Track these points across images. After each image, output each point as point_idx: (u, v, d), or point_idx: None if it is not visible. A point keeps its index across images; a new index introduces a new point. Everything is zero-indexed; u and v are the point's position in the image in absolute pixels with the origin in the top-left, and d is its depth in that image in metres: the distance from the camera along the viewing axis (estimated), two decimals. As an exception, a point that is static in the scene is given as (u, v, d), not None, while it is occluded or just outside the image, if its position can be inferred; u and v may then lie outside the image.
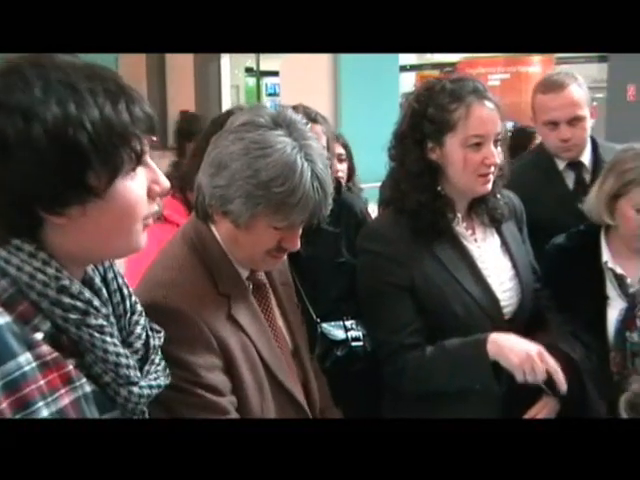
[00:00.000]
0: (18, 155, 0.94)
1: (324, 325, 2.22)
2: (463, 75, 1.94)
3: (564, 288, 2.09)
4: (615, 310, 2.10)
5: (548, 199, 2.24)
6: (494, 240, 1.98)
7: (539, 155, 2.72)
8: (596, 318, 2.09)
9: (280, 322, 1.66)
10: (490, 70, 16.46)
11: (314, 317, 2.20)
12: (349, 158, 3.42)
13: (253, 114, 1.44)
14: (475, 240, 1.95)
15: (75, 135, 0.95)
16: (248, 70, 18.05)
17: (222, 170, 1.40)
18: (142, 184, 1.07)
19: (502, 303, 1.91)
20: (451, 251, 1.89)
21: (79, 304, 1.03)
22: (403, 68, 10.47)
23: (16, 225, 1.00)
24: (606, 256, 2.14)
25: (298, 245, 1.50)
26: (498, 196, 1.96)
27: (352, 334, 2.20)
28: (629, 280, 2.11)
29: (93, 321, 1.04)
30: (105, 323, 1.07)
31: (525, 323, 1.97)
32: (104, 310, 1.08)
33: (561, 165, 2.60)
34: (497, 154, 1.83)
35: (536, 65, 16.23)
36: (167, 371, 1.20)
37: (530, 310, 1.99)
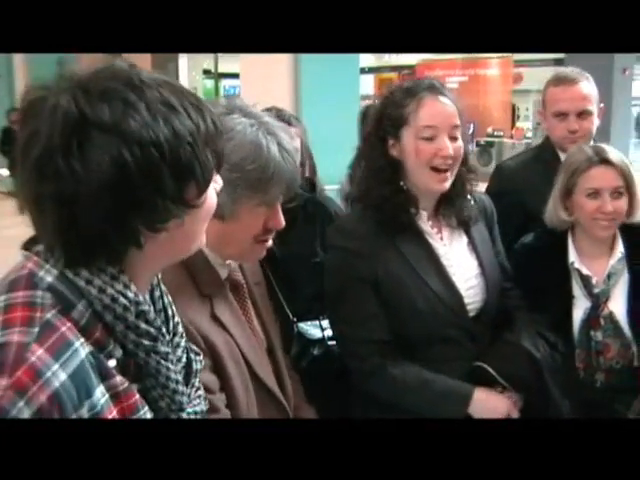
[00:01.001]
0: (137, 182, 0.92)
1: (300, 325, 2.22)
2: (422, 77, 1.99)
3: (532, 287, 2.11)
4: (580, 310, 2.13)
5: (548, 190, 2.28)
6: (461, 239, 2.00)
7: (543, 148, 2.79)
8: (562, 317, 2.12)
9: (255, 321, 1.68)
10: (448, 72, 16.65)
11: (290, 316, 2.20)
12: (310, 160, 3.43)
13: None
14: (441, 238, 1.96)
15: (186, 153, 0.95)
16: (206, 72, 17.98)
17: None
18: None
19: (466, 300, 1.92)
20: (416, 247, 1.91)
21: (152, 330, 1.02)
22: (362, 70, 10.50)
23: (113, 249, 0.98)
24: (572, 257, 2.18)
25: (283, 222, 1.53)
26: (468, 197, 1.98)
27: (328, 333, 2.21)
28: (594, 280, 2.14)
29: (162, 348, 1.04)
30: (169, 350, 1.06)
31: (491, 321, 1.99)
32: (167, 337, 1.08)
33: (564, 159, 2.65)
34: (453, 147, 1.85)
35: (494, 68, 16.45)
36: (203, 395, 1.20)
37: (496, 308, 2.01)
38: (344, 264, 1.90)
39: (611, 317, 2.10)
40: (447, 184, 1.88)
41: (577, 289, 2.15)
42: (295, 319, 2.23)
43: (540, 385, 1.86)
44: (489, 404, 1.85)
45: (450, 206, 1.97)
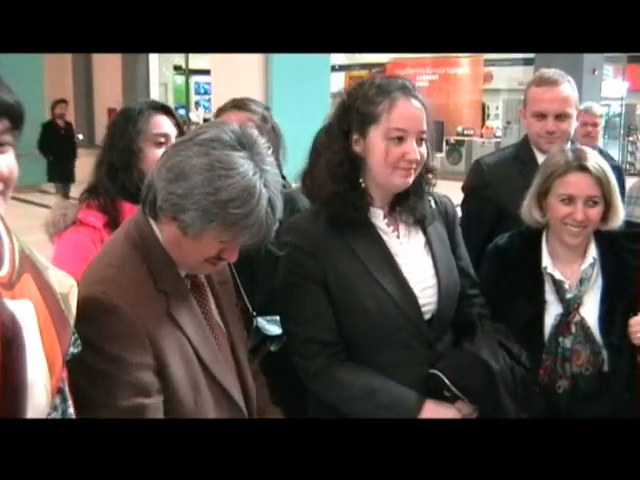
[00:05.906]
0: None
1: (259, 319, 2.19)
2: (395, 75, 1.95)
3: (503, 289, 2.10)
4: (551, 315, 2.11)
5: (521, 189, 2.29)
6: (418, 237, 1.95)
7: (522, 147, 2.82)
8: (533, 322, 2.10)
9: (218, 320, 1.68)
10: (418, 71, 16.75)
11: (250, 310, 2.19)
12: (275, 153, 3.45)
13: (220, 130, 1.47)
14: (397, 236, 1.92)
15: None
16: (177, 68, 17.92)
17: (181, 179, 1.43)
18: None
19: (421, 301, 1.88)
20: (369, 245, 1.88)
21: None
22: (332, 68, 10.54)
23: None
24: (546, 261, 2.15)
25: (236, 258, 1.54)
26: (426, 197, 1.94)
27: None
28: (567, 285, 2.12)
29: None
30: None
31: (446, 326, 1.95)
32: None
33: (540, 159, 2.65)
34: (419, 152, 1.82)
35: (464, 67, 16.59)
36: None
37: (451, 313, 1.96)
38: (293, 261, 1.87)
39: (582, 324, 2.08)
40: (410, 180, 1.86)
41: (549, 294, 2.13)
42: (255, 313, 2.20)
43: (494, 398, 1.82)
44: (438, 416, 1.80)
45: (406, 204, 1.93)
